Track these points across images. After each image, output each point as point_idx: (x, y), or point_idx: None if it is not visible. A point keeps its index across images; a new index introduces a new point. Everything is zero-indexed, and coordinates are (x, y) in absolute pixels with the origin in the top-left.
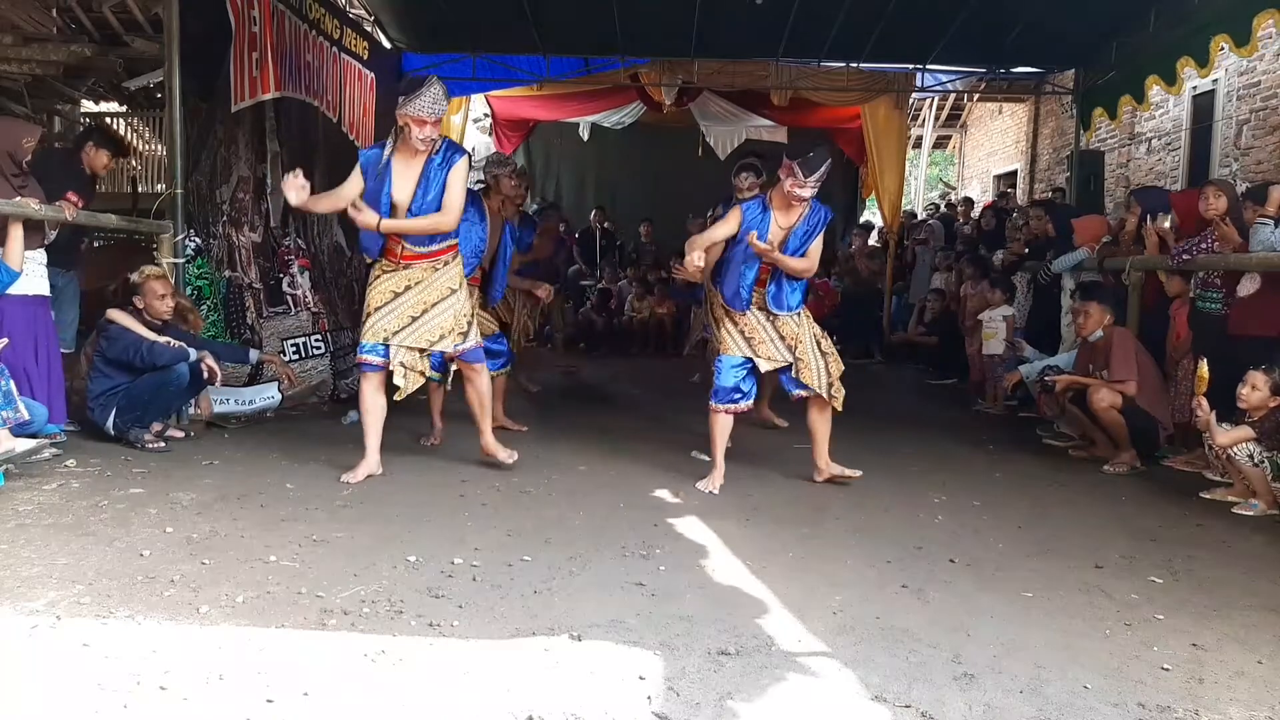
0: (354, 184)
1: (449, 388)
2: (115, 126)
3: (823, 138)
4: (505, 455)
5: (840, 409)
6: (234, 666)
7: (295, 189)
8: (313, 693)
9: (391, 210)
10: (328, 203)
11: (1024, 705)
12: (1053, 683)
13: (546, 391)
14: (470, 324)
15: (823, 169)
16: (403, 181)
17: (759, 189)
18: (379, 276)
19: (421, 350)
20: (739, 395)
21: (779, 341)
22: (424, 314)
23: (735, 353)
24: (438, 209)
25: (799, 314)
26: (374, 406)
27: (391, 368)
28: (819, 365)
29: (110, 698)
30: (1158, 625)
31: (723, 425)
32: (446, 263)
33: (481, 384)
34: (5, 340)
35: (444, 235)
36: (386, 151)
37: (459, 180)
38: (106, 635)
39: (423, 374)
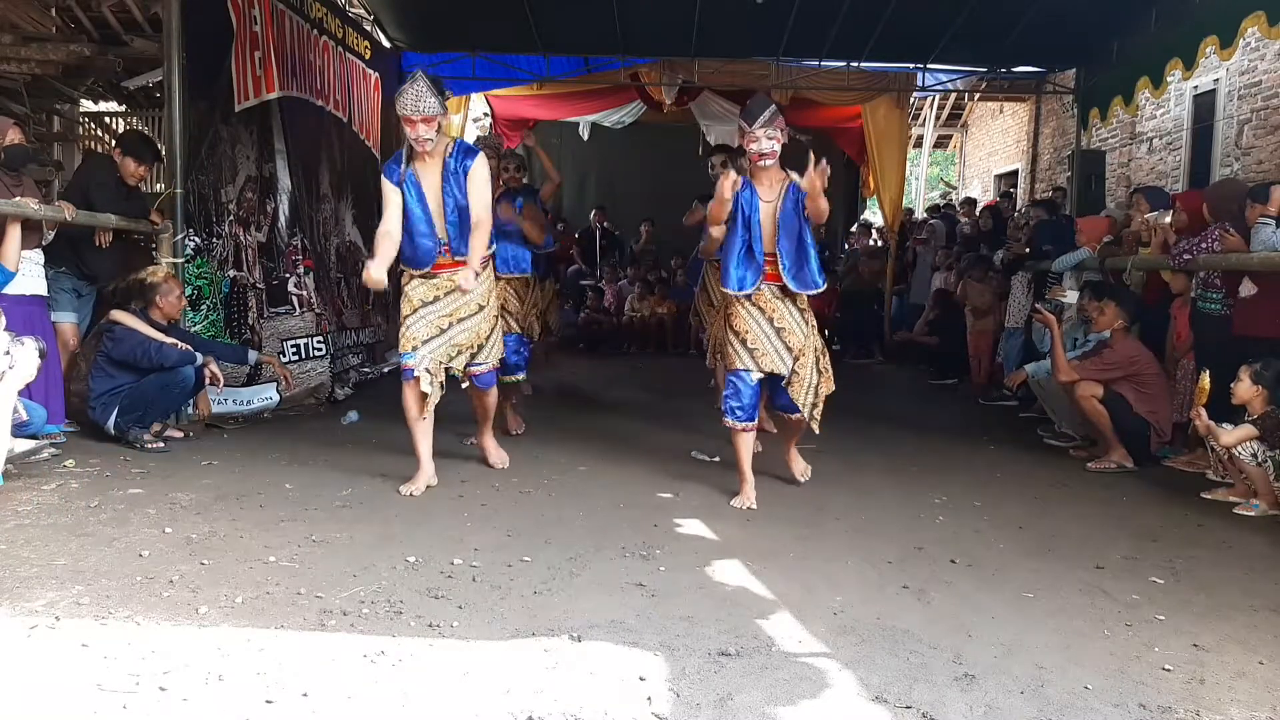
0: (394, 203)
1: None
2: (114, 126)
3: (823, 137)
4: (496, 458)
5: (818, 430)
6: (233, 667)
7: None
8: (312, 693)
9: (430, 222)
10: (389, 249)
11: (1025, 706)
12: (1054, 683)
13: (546, 392)
14: (487, 342)
15: (766, 113)
16: (429, 190)
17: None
18: (409, 282)
19: (441, 364)
20: (755, 410)
21: (785, 354)
22: (450, 327)
23: (742, 365)
24: (465, 214)
25: (809, 323)
26: (418, 410)
27: (418, 374)
28: (812, 382)
29: (109, 698)
30: (1159, 626)
31: (747, 442)
32: (477, 274)
33: (488, 401)
34: (43, 345)
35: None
36: (404, 162)
37: (480, 186)
38: (105, 636)
39: (443, 385)
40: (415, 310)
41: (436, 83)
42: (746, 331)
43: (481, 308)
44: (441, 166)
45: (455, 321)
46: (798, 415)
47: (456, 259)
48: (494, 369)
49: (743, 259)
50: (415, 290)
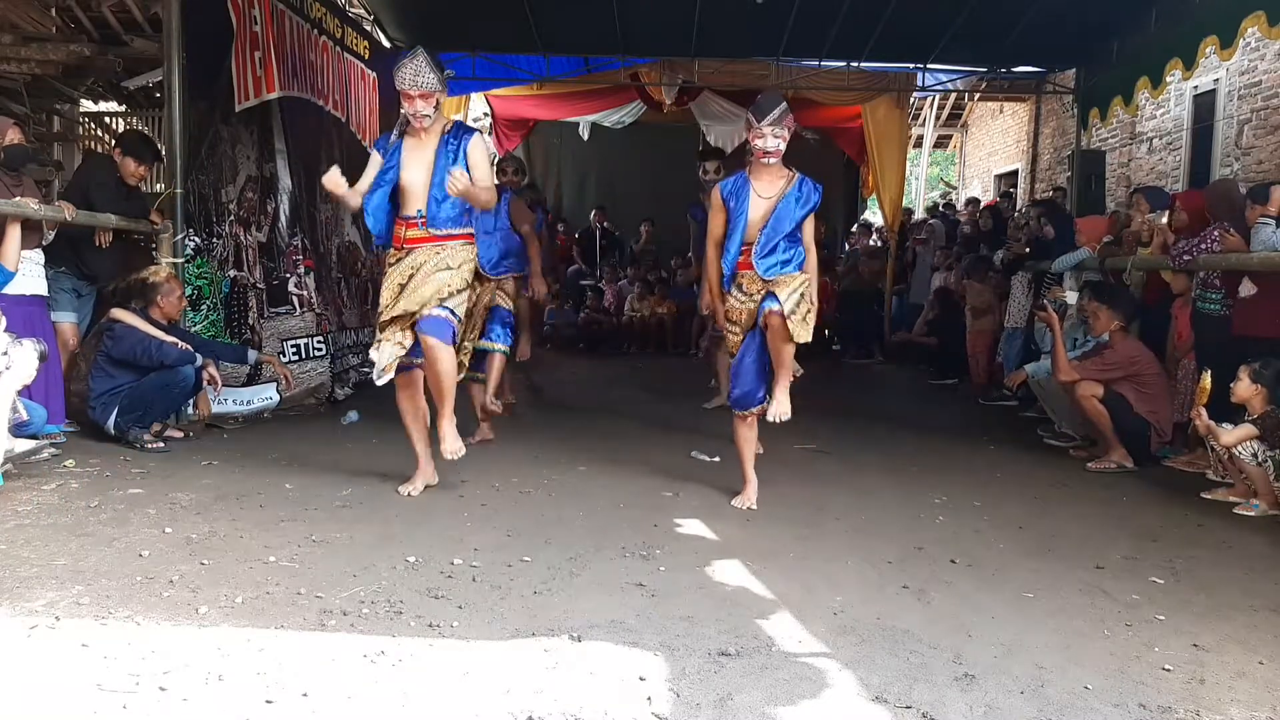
0: (371, 168)
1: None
2: (114, 126)
3: (823, 137)
4: (449, 448)
5: (798, 338)
6: (233, 667)
7: (334, 180)
8: (312, 693)
9: (400, 192)
10: (356, 198)
11: (1025, 706)
12: (1054, 683)
13: (546, 391)
14: (450, 298)
15: (776, 111)
16: (414, 164)
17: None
18: (389, 268)
19: (401, 318)
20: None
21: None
22: (410, 281)
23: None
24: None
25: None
26: (413, 410)
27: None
28: (795, 298)
29: (109, 698)
30: (1159, 626)
31: (750, 437)
32: (455, 250)
33: (440, 364)
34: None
35: (459, 221)
36: (394, 135)
37: (480, 157)
38: (105, 636)
39: (402, 345)
40: (394, 295)
41: (436, 60)
42: (738, 314)
43: (449, 268)
44: (437, 144)
45: (419, 278)
46: (778, 309)
47: (433, 233)
48: (448, 322)
49: (730, 259)
50: (392, 277)
